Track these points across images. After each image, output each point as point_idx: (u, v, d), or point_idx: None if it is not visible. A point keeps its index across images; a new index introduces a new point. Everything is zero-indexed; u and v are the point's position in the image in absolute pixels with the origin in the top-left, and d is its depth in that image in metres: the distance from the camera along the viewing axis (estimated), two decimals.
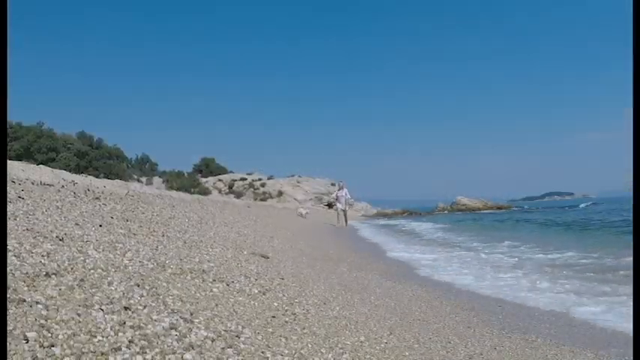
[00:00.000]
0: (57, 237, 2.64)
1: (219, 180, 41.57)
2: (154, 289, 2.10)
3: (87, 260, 2.25)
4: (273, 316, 2.36)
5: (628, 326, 3.20)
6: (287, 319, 2.41)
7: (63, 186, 6.23)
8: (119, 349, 1.40)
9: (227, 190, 39.40)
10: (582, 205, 40.12)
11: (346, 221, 17.27)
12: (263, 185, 40.29)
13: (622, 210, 22.69)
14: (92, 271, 2.10)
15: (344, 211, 17.26)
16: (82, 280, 1.92)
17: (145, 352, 1.43)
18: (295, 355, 1.88)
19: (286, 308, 2.62)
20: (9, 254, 1.99)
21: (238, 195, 36.32)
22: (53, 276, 1.86)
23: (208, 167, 45.39)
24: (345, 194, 17.39)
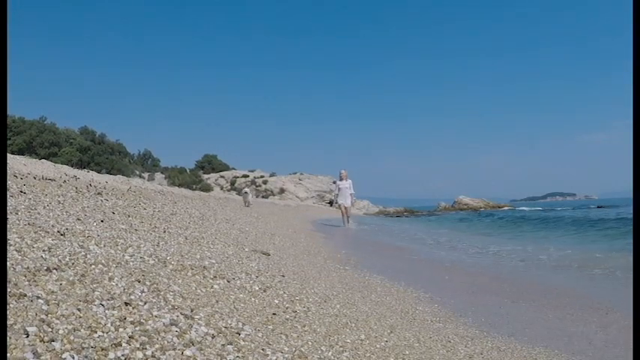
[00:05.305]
0: (58, 232, 2.64)
1: (221, 177, 41.63)
2: (154, 285, 2.10)
3: (88, 255, 2.25)
4: (274, 314, 2.36)
5: None
6: (287, 316, 2.40)
7: (65, 181, 6.24)
8: (119, 344, 1.40)
9: (229, 187, 39.45)
10: (522, 208, 41.83)
11: (348, 218, 13.80)
12: (265, 182, 40.33)
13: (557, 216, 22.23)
14: (93, 266, 2.10)
15: (347, 207, 13.63)
16: (82, 275, 1.92)
17: (145, 348, 1.43)
18: (295, 353, 1.88)
19: (287, 305, 2.62)
20: (10, 248, 1.99)
21: (240, 192, 36.38)
22: (54, 271, 1.86)
23: (210, 164, 45.49)
24: (350, 186, 13.66)
